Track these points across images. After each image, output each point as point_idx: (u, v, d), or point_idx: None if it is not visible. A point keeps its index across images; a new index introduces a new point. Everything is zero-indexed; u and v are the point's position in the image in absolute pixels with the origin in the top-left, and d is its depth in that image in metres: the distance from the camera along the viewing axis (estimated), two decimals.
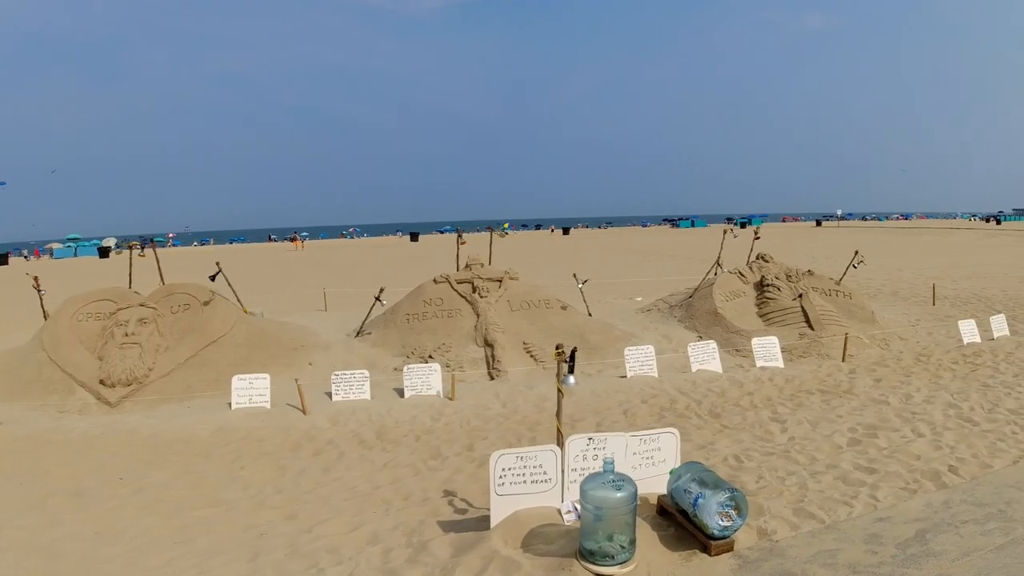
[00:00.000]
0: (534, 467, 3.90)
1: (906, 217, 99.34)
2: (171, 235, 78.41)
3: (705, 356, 8.69)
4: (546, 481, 3.93)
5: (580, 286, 11.70)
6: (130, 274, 11.84)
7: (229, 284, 10.96)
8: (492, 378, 9.54)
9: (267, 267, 34.87)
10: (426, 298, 11.21)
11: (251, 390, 7.69)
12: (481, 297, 11.03)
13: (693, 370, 8.54)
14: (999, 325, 11.51)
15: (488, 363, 9.89)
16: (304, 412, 7.32)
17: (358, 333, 11.18)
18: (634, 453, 4.06)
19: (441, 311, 11.00)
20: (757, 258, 13.13)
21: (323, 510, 4.97)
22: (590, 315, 11.63)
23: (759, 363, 8.82)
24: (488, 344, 10.16)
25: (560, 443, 4.02)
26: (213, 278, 10.60)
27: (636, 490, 3.33)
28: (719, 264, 13.14)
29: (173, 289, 10.63)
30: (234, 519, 4.97)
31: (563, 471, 3.95)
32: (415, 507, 4.83)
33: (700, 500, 3.37)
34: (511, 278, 11.56)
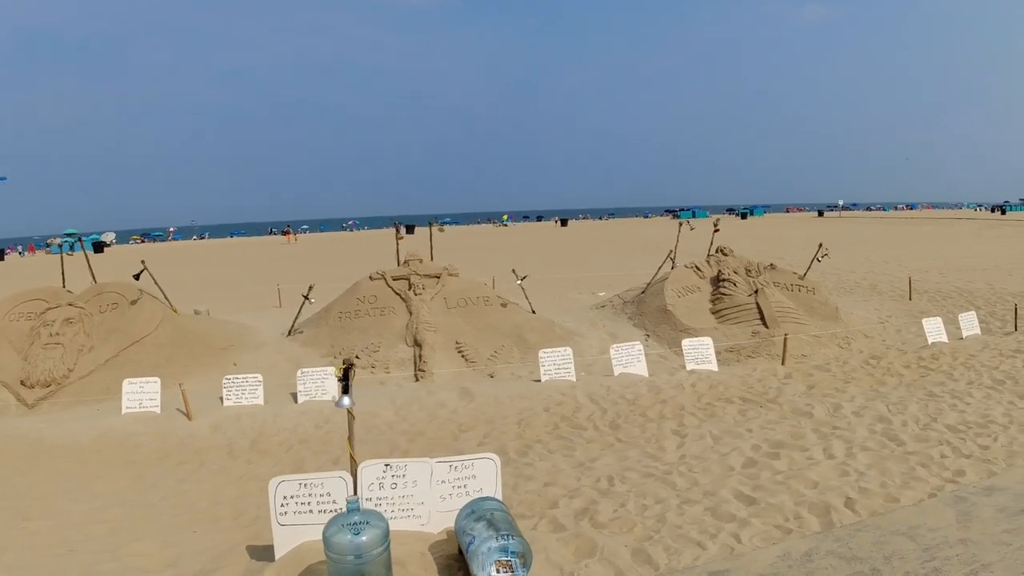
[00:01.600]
0: (320, 495, 3.49)
1: (911, 207, 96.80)
2: (172, 229, 78.56)
3: (629, 358, 8.18)
4: (335, 511, 3.50)
5: (519, 282, 11.21)
6: (62, 273, 11.56)
7: (156, 283, 10.64)
8: (417, 379, 9.13)
9: (253, 262, 34.70)
10: (360, 295, 10.80)
11: (141, 394, 7.36)
12: (416, 294, 10.59)
13: (616, 373, 8.04)
14: (969, 323, 10.79)
15: (415, 364, 9.48)
16: (189, 418, 6.96)
17: (290, 332, 10.81)
18: (442, 481, 3.62)
19: (374, 309, 10.59)
20: (716, 251, 12.54)
21: (149, 527, 4.65)
22: (533, 312, 11.15)
23: (689, 366, 8.29)
24: (417, 344, 9.74)
25: (352, 470, 3.59)
26: (137, 277, 10.27)
27: (386, 530, 2.90)
28: (672, 259, 12.59)
29: (103, 288, 10.35)
30: (58, 533, 4.72)
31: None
32: (240, 528, 4.47)
33: (472, 545, 2.91)
34: (450, 274, 11.10)
